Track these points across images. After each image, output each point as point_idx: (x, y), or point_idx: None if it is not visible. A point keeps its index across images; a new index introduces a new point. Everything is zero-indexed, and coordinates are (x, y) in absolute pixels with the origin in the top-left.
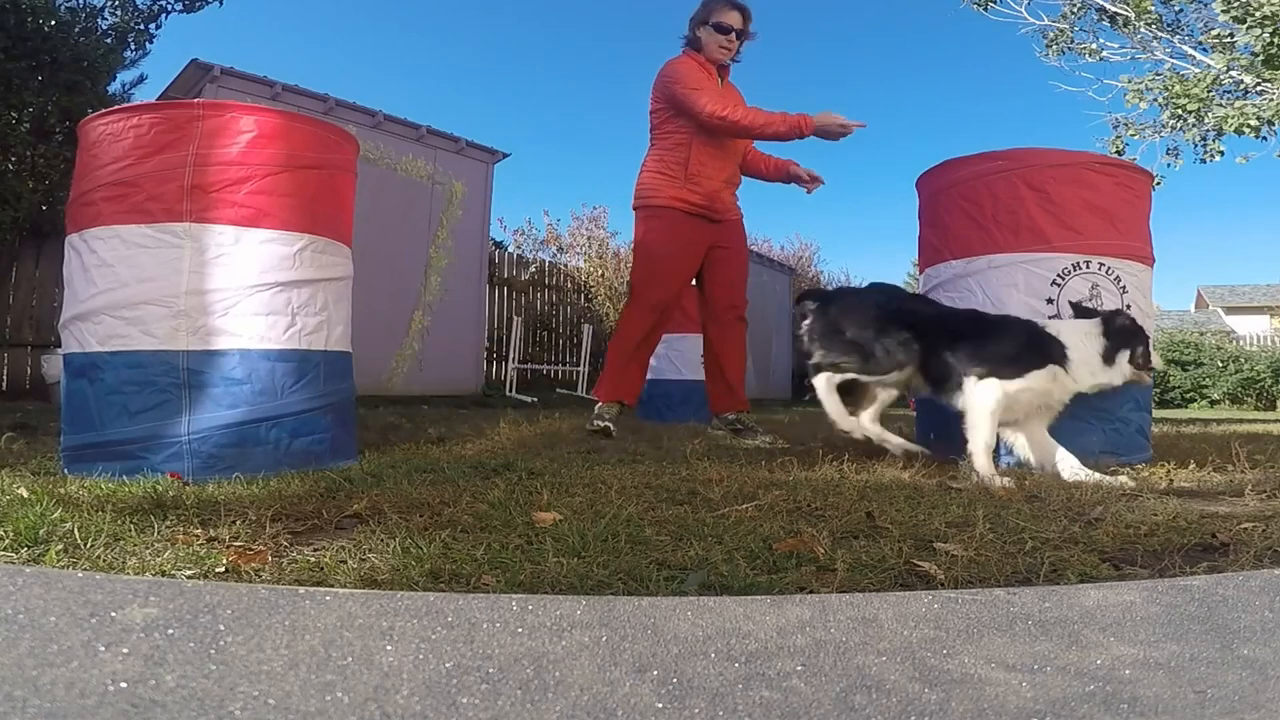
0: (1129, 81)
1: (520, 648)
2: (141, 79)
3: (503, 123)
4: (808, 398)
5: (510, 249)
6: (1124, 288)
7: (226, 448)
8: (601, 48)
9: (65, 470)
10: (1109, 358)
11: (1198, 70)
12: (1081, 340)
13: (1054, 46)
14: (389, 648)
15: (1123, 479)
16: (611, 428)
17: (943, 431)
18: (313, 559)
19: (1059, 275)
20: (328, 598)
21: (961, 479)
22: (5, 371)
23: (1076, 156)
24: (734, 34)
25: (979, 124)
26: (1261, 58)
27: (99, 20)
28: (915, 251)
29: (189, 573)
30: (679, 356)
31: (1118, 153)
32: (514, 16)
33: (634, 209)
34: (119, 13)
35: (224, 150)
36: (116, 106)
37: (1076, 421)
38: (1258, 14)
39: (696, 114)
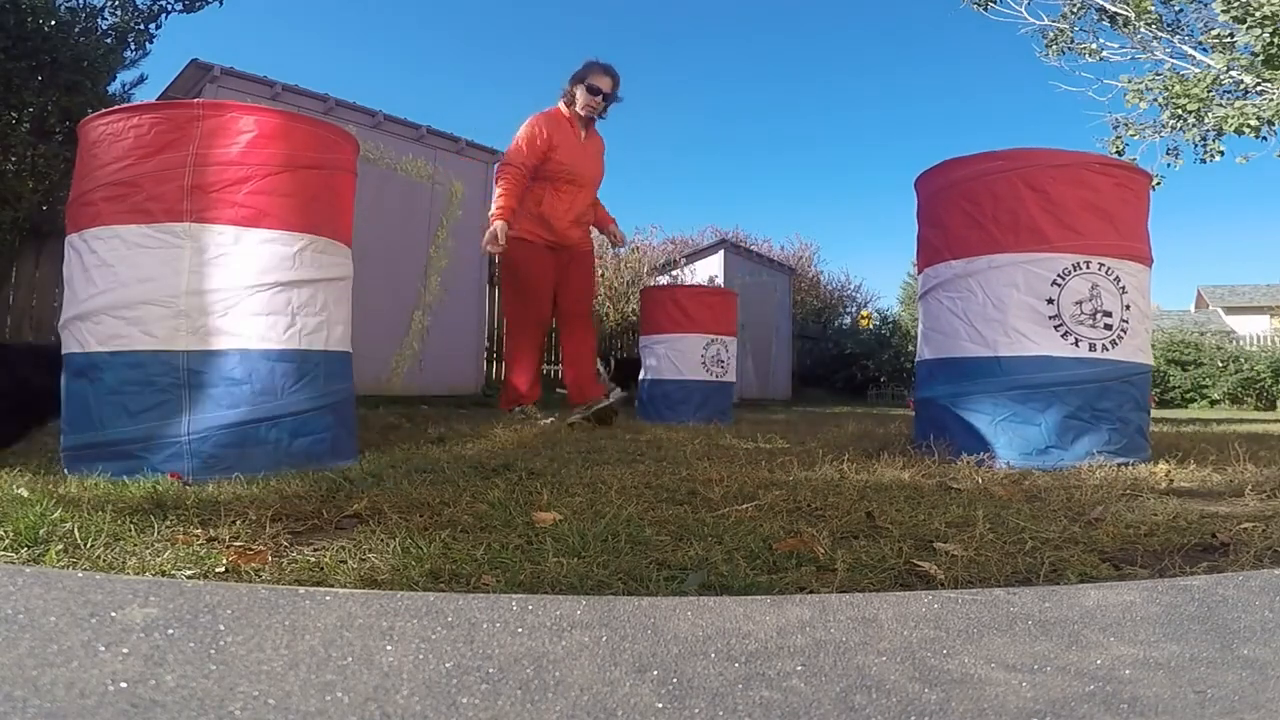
0: (1129, 81)
1: (520, 648)
2: (141, 79)
3: (503, 123)
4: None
5: None
6: (1123, 288)
7: (226, 448)
8: (601, 48)
9: (65, 470)
10: None
11: (1198, 70)
12: None
13: (1054, 46)
14: (389, 648)
15: None
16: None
17: (942, 431)
18: (313, 559)
19: (1059, 275)
20: (328, 598)
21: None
22: None
23: (1076, 157)
24: (601, 96)
25: (979, 124)
26: (1261, 58)
27: (99, 20)
28: (914, 251)
29: (189, 573)
30: (679, 356)
31: (1118, 153)
32: (515, 16)
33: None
34: (119, 13)
35: (224, 150)
36: (116, 106)
37: (1076, 421)
38: (1258, 14)
39: (499, 166)
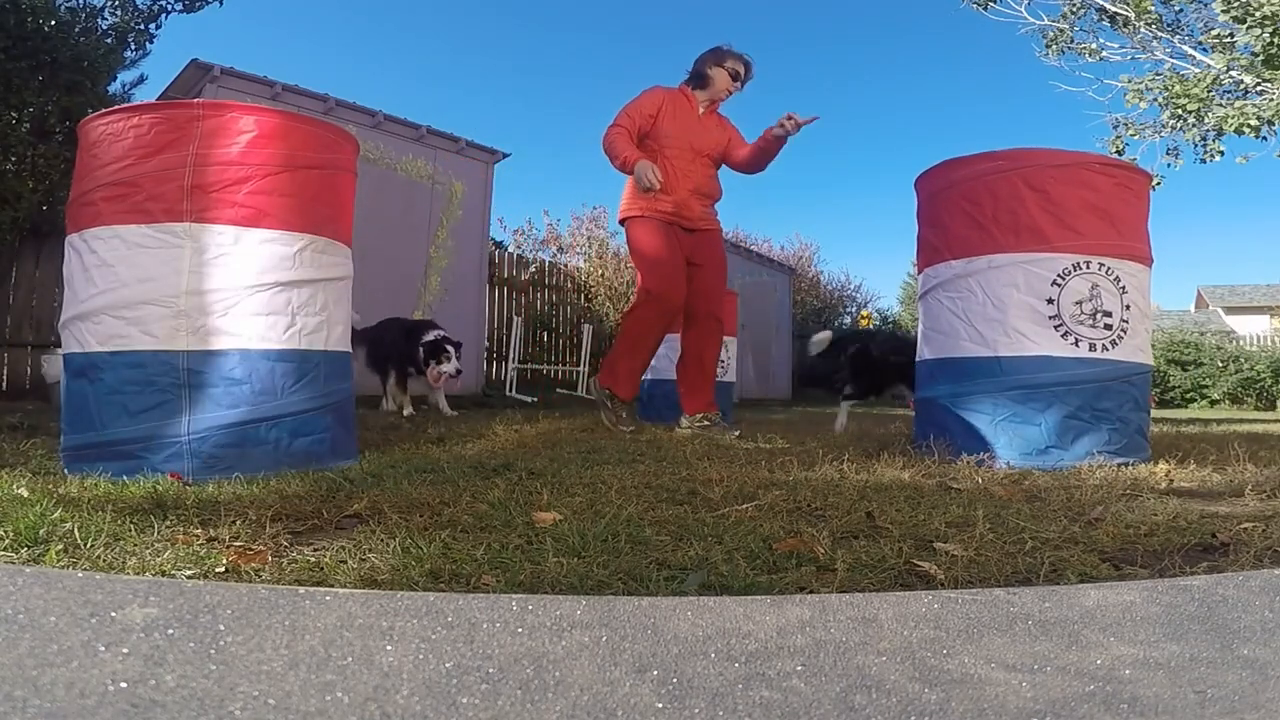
0: (1129, 81)
1: (520, 648)
2: (141, 79)
3: (503, 123)
4: None
5: (510, 249)
6: (1123, 288)
7: (226, 448)
8: (602, 48)
9: (65, 470)
10: None
11: (1198, 70)
12: None
13: (1054, 46)
14: (389, 648)
15: None
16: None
17: (942, 431)
18: (313, 559)
19: (1059, 275)
20: (328, 598)
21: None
22: (5, 371)
23: (1076, 157)
24: (740, 81)
25: (979, 124)
26: (1261, 58)
27: (99, 20)
28: (914, 251)
29: (189, 573)
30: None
31: (1118, 153)
32: (514, 16)
33: (620, 223)
34: (119, 13)
35: (224, 150)
36: (116, 106)
37: (1076, 421)
38: (1258, 14)
39: (607, 129)
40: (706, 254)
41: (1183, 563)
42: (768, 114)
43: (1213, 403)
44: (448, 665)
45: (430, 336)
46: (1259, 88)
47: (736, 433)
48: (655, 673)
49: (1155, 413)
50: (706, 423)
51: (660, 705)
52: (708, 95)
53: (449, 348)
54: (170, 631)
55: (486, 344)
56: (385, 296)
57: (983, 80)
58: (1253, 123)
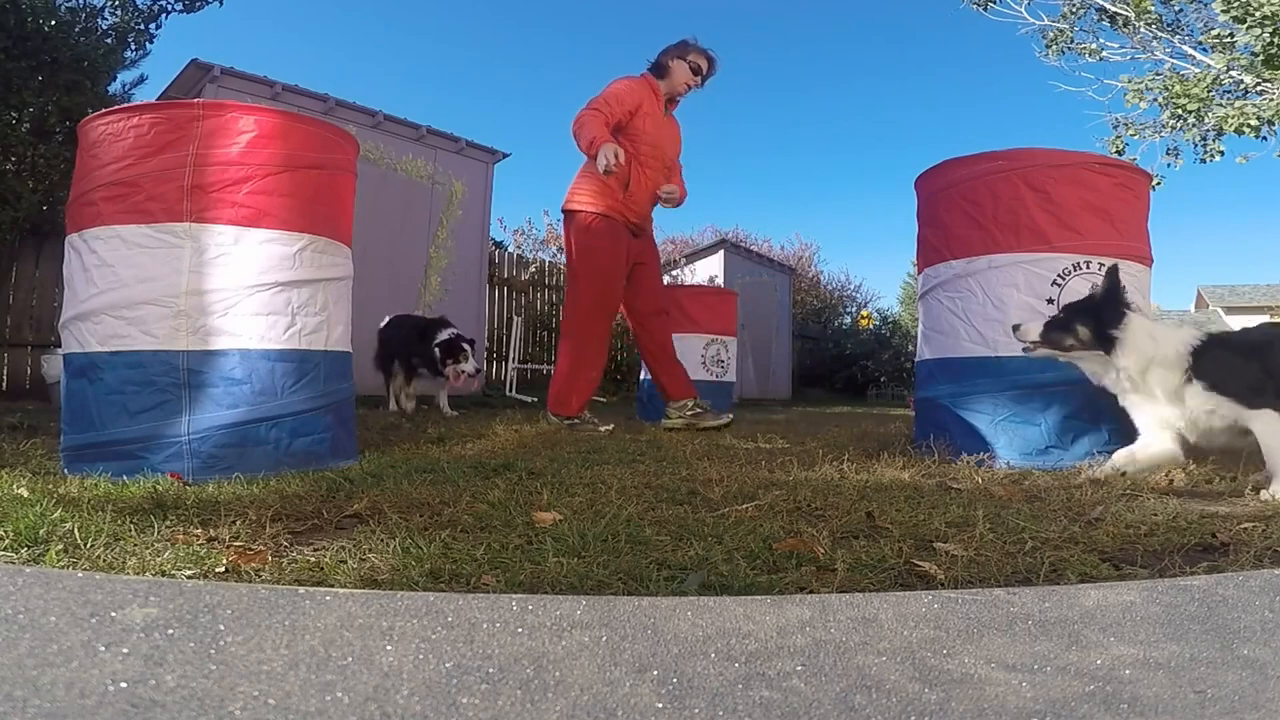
0: (1129, 81)
1: (520, 648)
2: (141, 79)
3: (503, 123)
4: None
5: (510, 249)
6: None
7: (226, 448)
8: (601, 49)
9: (65, 470)
10: None
11: (1198, 70)
12: None
13: (1054, 46)
14: (389, 648)
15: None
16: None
17: (942, 431)
18: (313, 559)
19: (1059, 275)
20: (328, 598)
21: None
22: (5, 371)
23: (1076, 157)
24: (700, 77)
25: (979, 124)
26: (1261, 58)
27: (99, 20)
28: (914, 251)
29: (189, 573)
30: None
31: (1118, 153)
32: (514, 17)
33: (569, 211)
34: (119, 13)
35: (224, 150)
36: (116, 106)
37: (1077, 421)
38: (1258, 14)
39: (580, 111)
40: (649, 254)
41: (1183, 563)
42: (767, 113)
43: None
44: (448, 665)
45: (445, 335)
46: (1259, 88)
47: (729, 417)
48: (655, 673)
49: None
50: (698, 410)
51: (660, 705)
52: (667, 88)
53: (465, 346)
54: (170, 631)
55: (486, 344)
56: (385, 296)
57: (983, 80)
58: (1253, 123)
